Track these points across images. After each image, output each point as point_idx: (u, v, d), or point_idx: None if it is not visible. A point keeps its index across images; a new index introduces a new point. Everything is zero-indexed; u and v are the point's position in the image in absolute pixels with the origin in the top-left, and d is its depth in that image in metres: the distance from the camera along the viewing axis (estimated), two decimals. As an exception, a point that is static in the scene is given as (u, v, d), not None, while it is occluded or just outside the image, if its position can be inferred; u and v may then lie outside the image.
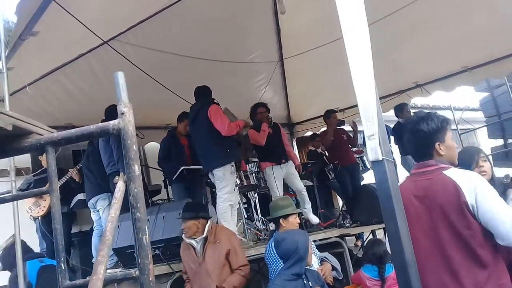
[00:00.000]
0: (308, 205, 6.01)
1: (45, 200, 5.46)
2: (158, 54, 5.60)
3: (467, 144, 12.04)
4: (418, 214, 2.07)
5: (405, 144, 2.30)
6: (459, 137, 11.41)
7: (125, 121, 1.37)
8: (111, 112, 4.42)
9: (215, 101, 5.26)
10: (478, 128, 11.76)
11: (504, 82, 8.95)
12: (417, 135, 2.19)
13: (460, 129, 11.21)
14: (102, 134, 1.42)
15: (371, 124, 1.67)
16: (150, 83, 5.74)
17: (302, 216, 5.77)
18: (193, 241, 3.73)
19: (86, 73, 5.37)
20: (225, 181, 5.06)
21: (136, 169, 1.34)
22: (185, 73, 6.21)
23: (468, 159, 2.70)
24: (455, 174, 2.04)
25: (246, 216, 6.35)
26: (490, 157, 3.72)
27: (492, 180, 2.63)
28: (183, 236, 3.79)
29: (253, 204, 6.79)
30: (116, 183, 1.44)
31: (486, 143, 10.89)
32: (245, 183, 5.98)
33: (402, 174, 6.32)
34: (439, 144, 2.15)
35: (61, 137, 1.41)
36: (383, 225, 5.81)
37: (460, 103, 13.58)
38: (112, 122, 1.38)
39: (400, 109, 7.32)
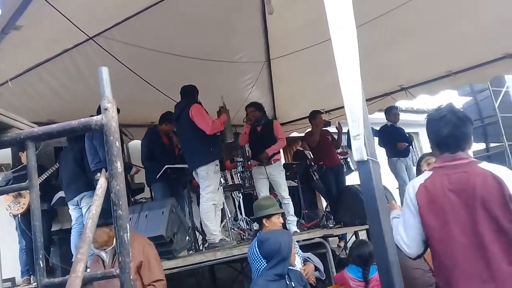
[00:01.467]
0: (291, 218, 5.84)
1: (24, 198, 5.36)
2: (144, 52, 5.55)
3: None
4: (454, 210, 1.98)
5: (442, 128, 2.10)
6: (442, 141, 11.54)
7: (108, 116, 1.34)
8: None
9: (198, 100, 5.25)
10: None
11: (487, 87, 9.08)
12: (467, 126, 2.11)
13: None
14: (84, 130, 1.39)
15: (357, 125, 1.67)
16: (135, 81, 5.69)
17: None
18: (102, 252, 3.27)
19: (70, 69, 5.29)
20: (208, 180, 5.05)
21: (119, 166, 1.32)
22: (171, 72, 6.17)
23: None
24: (491, 167, 1.99)
25: (230, 216, 6.34)
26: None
27: None
28: (91, 246, 3.33)
29: (237, 203, 6.79)
30: (98, 180, 1.41)
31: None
32: (230, 183, 5.97)
33: (387, 176, 6.37)
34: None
35: (41, 132, 1.38)
36: (366, 226, 5.88)
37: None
38: (95, 117, 1.35)
39: (388, 112, 7.48)
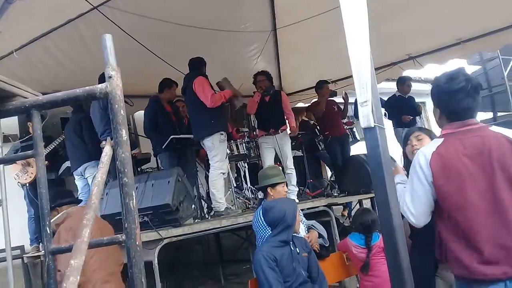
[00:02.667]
0: (292, 188, 5.84)
1: (32, 167, 5.43)
2: (149, 21, 5.48)
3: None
4: (471, 175, 1.94)
5: (460, 101, 2.04)
6: (449, 110, 11.45)
7: (113, 85, 1.34)
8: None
9: (204, 73, 5.24)
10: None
11: (497, 55, 8.93)
12: (479, 94, 2.08)
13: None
14: (89, 98, 1.40)
15: (365, 91, 1.65)
16: (140, 51, 5.65)
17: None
18: None
19: (74, 40, 5.25)
20: (214, 150, 5.14)
21: (124, 133, 1.33)
22: (176, 42, 6.11)
23: (404, 137, 2.75)
24: (501, 130, 2.01)
25: (235, 185, 6.40)
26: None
27: None
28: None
29: (242, 173, 6.83)
30: (103, 148, 1.42)
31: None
32: (235, 153, 6.00)
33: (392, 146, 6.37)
34: None
35: (46, 100, 1.39)
36: (370, 195, 5.93)
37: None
38: (99, 86, 1.35)
39: (400, 81, 7.40)
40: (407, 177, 2.28)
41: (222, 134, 5.16)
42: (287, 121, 6.12)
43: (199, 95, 5.13)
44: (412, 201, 2.06)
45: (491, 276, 1.88)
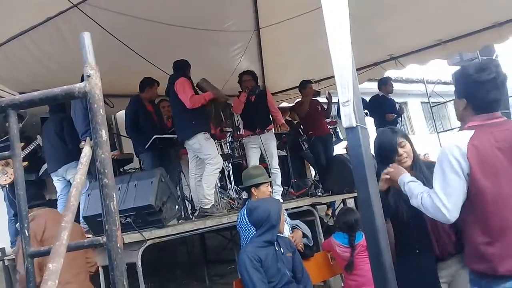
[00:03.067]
0: (277, 187, 5.85)
1: (12, 168, 5.32)
2: (131, 20, 5.41)
3: (438, 116, 12.32)
4: (504, 169, 1.90)
5: (489, 92, 2.00)
6: (430, 110, 11.61)
7: (92, 84, 1.31)
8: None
9: (187, 75, 5.29)
10: (449, 101, 12.00)
11: (476, 56, 9.08)
12: (505, 85, 2.07)
13: (432, 102, 11.44)
14: (67, 98, 1.36)
15: (346, 91, 1.66)
16: (121, 50, 5.58)
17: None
18: None
19: (54, 38, 5.16)
20: (203, 148, 5.17)
21: (104, 134, 1.30)
22: (159, 41, 6.06)
23: (388, 147, 2.47)
24: None
25: (219, 185, 6.38)
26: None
27: (417, 163, 2.50)
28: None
29: (226, 173, 6.82)
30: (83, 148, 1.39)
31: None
32: (220, 153, 5.98)
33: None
34: None
35: (23, 99, 1.35)
36: (354, 194, 5.96)
37: (432, 77, 13.80)
38: (78, 85, 1.32)
39: (383, 82, 7.45)
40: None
41: (205, 133, 5.16)
42: (275, 119, 6.13)
43: (179, 96, 5.16)
44: (448, 195, 1.93)
45: None
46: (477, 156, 1.91)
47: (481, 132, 1.97)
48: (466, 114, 2.10)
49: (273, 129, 6.08)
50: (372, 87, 8.00)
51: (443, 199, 1.93)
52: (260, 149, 5.91)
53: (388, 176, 2.24)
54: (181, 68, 5.42)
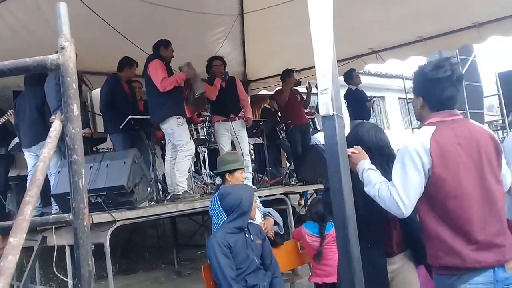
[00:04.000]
0: (248, 175, 5.77)
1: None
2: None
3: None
4: (464, 164, 1.94)
5: (444, 89, 2.02)
6: (406, 106, 11.79)
7: (65, 56, 1.27)
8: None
9: (160, 55, 5.19)
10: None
11: (455, 54, 9.22)
12: (461, 83, 2.09)
13: (409, 98, 11.59)
14: (39, 69, 1.32)
15: (325, 79, 1.65)
16: (100, 26, 5.46)
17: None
18: None
19: (32, 10, 5.01)
20: (176, 134, 5.12)
21: (75, 108, 1.26)
22: (140, 19, 5.97)
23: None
24: (478, 124, 2.08)
25: (194, 170, 6.34)
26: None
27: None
28: None
29: (201, 158, 6.78)
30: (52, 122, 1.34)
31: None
32: (195, 137, 5.92)
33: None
34: None
35: (-9, 68, 1.30)
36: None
37: (411, 73, 14.02)
38: (51, 56, 1.27)
39: (350, 76, 7.41)
40: None
41: (179, 118, 5.08)
42: (244, 107, 6.07)
43: (152, 78, 5.07)
44: (406, 190, 1.94)
45: (484, 263, 1.89)
46: (439, 151, 1.94)
47: (443, 128, 2.00)
48: (424, 112, 2.13)
49: (243, 118, 6.03)
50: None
51: (401, 194, 1.95)
52: (231, 136, 5.87)
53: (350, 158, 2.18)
54: (156, 48, 5.30)
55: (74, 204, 1.23)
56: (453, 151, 1.94)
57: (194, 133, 5.92)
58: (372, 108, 7.83)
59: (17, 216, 1.04)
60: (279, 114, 7.73)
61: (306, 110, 7.54)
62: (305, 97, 7.32)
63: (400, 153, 2.02)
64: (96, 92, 6.78)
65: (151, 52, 5.37)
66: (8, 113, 5.31)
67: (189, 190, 5.37)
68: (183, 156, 5.08)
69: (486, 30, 6.38)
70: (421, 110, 2.15)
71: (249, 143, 7.38)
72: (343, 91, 7.52)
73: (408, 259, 2.43)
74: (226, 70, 5.98)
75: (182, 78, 5.15)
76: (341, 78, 7.25)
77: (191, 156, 5.25)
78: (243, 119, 5.99)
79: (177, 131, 5.08)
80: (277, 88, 7.91)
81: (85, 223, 1.25)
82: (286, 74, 7.01)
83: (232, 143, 5.95)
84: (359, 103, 7.36)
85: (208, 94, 5.78)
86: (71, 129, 1.25)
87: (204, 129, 6.07)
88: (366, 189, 2.09)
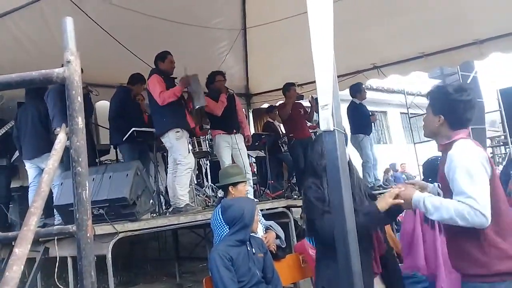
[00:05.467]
0: (249, 188, 5.63)
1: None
2: (116, 10, 5.38)
3: (416, 127, 12.59)
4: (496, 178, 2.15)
5: (466, 111, 2.20)
6: (408, 120, 11.82)
7: (71, 70, 1.29)
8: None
9: (159, 68, 5.26)
10: (427, 113, 12.21)
11: (456, 71, 9.27)
12: (476, 107, 2.26)
13: (411, 113, 11.65)
14: (45, 82, 1.34)
15: (326, 95, 1.67)
16: (104, 39, 5.52)
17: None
18: None
19: (37, 22, 5.08)
20: (174, 148, 5.16)
21: (80, 121, 1.28)
22: (144, 33, 6.02)
23: None
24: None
25: (196, 182, 6.35)
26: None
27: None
28: None
29: (204, 170, 6.80)
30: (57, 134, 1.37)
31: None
32: (197, 150, 5.94)
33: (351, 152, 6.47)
34: None
35: (-1, 81, 1.33)
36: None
37: (413, 88, 14.05)
38: (56, 70, 1.30)
39: (358, 89, 7.45)
40: None
41: (178, 131, 5.09)
42: (241, 126, 6.09)
43: (152, 94, 5.14)
44: (483, 199, 1.99)
45: None
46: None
47: (474, 143, 2.18)
48: (442, 129, 2.24)
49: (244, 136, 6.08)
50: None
51: (481, 203, 1.97)
52: (231, 149, 5.89)
53: (397, 197, 2.21)
54: (155, 63, 5.38)
55: (77, 215, 1.25)
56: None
57: (196, 145, 5.95)
58: (374, 123, 7.85)
59: (22, 226, 1.06)
60: (280, 127, 7.77)
61: (309, 124, 7.56)
62: (308, 110, 7.35)
63: (464, 165, 2.07)
64: (100, 104, 6.83)
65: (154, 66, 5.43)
66: (8, 124, 5.34)
67: (191, 203, 5.37)
68: (182, 170, 5.09)
69: (487, 47, 6.43)
70: (440, 127, 2.25)
71: (251, 156, 7.42)
72: (343, 106, 7.55)
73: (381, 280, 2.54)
74: (231, 90, 6.04)
75: (179, 90, 5.18)
76: (344, 92, 7.28)
77: (191, 169, 5.26)
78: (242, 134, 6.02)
79: (175, 145, 5.11)
80: (280, 102, 7.95)
81: (88, 235, 1.26)
82: (287, 88, 7.05)
83: (232, 157, 5.96)
84: (362, 117, 7.38)
85: (214, 109, 5.75)
86: (75, 141, 1.27)
87: (206, 142, 6.10)
88: (434, 216, 2.09)
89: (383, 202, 2.19)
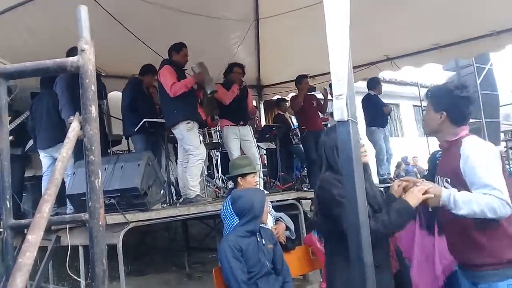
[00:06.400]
0: (259, 179, 5.70)
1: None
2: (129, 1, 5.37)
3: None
4: None
5: (468, 107, 2.27)
6: (421, 113, 11.71)
7: (85, 58, 1.29)
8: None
9: (171, 60, 5.26)
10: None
11: (471, 63, 9.13)
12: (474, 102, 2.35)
13: (424, 106, 11.54)
14: (59, 71, 1.34)
15: (341, 84, 1.65)
16: (116, 30, 5.53)
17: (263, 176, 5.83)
18: None
19: (51, 12, 5.10)
20: (185, 139, 5.17)
21: (93, 110, 1.29)
22: (156, 24, 6.02)
23: None
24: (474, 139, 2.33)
25: (206, 173, 6.36)
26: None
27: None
28: None
29: (214, 162, 6.81)
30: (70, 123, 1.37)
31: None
32: (208, 141, 5.95)
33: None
34: None
35: (14, 69, 1.33)
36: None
37: (426, 80, 13.91)
38: (70, 58, 1.30)
39: (376, 82, 7.48)
40: None
41: (189, 122, 5.11)
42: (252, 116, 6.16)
43: (163, 85, 5.15)
44: (505, 188, 2.06)
45: None
46: None
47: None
48: (443, 126, 2.30)
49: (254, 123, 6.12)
50: (363, 86, 7.98)
51: (504, 192, 2.04)
52: (240, 140, 5.90)
53: (427, 193, 2.16)
54: (169, 53, 5.38)
55: (90, 203, 1.25)
56: None
57: (207, 137, 5.95)
58: (390, 115, 7.79)
59: (35, 213, 1.06)
60: (291, 119, 7.75)
61: (321, 116, 7.53)
62: (322, 102, 7.31)
63: (483, 159, 2.13)
64: (112, 95, 6.86)
65: (167, 57, 5.43)
66: (24, 115, 5.39)
67: (202, 194, 5.39)
68: (194, 160, 5.12)
69: (503, 39, 6.29)
70: (440, 124, 2.30)
71: (262, 148, 7.41)
72: (358, 98, 7.50)
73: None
74: (244, 81, 6.04)
75: (191, 82, 5.19)
76: (357, 84, 7.22)
77: (203, 160, 5.28)
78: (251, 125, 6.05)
79: (186, 136, 5.13)
80: (291, 94, 7.93)
81: (100, 223, 1.27)
82: (299, 80, 7.04)
83: (241, 148, 5.98)
84: (378, 109, 7.35)
85: (223, 97, 5.79)
86: (89, 130, 1.27)
87: (217, 133, 6.10)
88: (463, 211, 2.07)
89: (414, 198, 2.13)
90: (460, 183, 2.17)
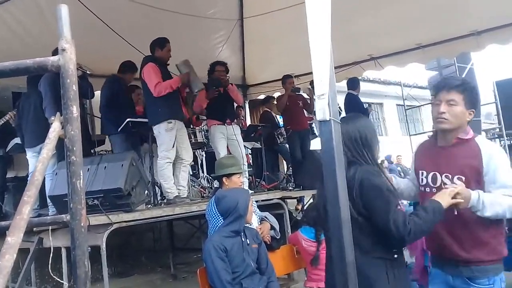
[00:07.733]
0: (244, 179, 5.66)
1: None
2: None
3: (412, 119, 12.61)
4: None
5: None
6: (404, 112, 11.84)
7: (66, 58, 1.28)
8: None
9: (154, 57, 5.17)
10: (423, 105, 12.26)
11: (453, 62, 9.26)
12: None
13: (407, 105, 11.67)
14: (40, 70, 1.33)
15: (323, 84, 1.66)
16: (100, 29, 5.46)
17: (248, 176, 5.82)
18: None
19: (32, 12, 5.02)
20: (160, 138, 5.10)
21: (74, 110, 1.27)
22: (139, 23, 5.97)
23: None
24: None
25: (191, 173, 6.34)
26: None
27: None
28: None
29: (199, 162, 6.79)
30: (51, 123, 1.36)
31: (429, 120, 11.42)
32: (193, 141, 5.92)
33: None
34: None
35: (-7, 69, 1.31)
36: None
37: (409, 80, 14.07)
38: (51, 58, 1.29)
39: (357, 82, 7.55)
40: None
41: (170, 122, 5.03)
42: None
43: (147, 83, 5.06)
44: None
45: None
46: None
47: None
48: (467, 124, 2.28)
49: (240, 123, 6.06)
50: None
51: None
52: (227, 140, 5.86)
53: (457, 196, 2.10)
54: (151, 49, 5.27)
55: (71, 205, 1.24)
56: None
57: (192, 136, 5.92)
58: (370, 114, 7.89)
59: (15, 215, 1.05)
60: (277, 118, 7.77)
61: (308, 115, 7.56)
62: (309, 102, 7.33)
63: (504, 160, 2.18)
64: (96, 94, 6.77)
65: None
66: (9, 114, 5.29)
67: (187, 194, 5.36)
68: (162, 163, 5.05)
69: (484, 39, 6.41)
70: (467, 122, 2.28)
71: (247, 148, 7.41)
72: (340, 97, 7.55)
73: None
74: (228, 76, 5.96)
75: (177, 83, 5.11)
76: (340, 84, 7.28)
77: (169, 163, 5.13)
78: (238, 124, 6.00)
79: (163, 136, 5.05)
80: (276, 94, 7.95)
81: (82, 224, 1.26)
82: (283, 80, 7.08)
83: (228, 148, 5.94)
84: (360, 109, 7.42)
85: (200, 103, 5.75)
86: (70, 130, 1.26)
87: (202, 132, 6.08)
88: (488, 212, 2.09)
89: (446, 200, 2.06)
90: (477, 180, 2.15)
